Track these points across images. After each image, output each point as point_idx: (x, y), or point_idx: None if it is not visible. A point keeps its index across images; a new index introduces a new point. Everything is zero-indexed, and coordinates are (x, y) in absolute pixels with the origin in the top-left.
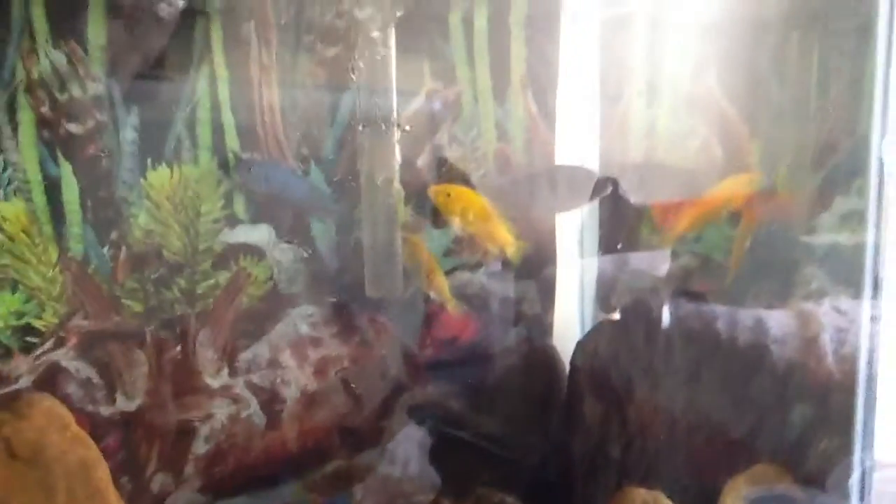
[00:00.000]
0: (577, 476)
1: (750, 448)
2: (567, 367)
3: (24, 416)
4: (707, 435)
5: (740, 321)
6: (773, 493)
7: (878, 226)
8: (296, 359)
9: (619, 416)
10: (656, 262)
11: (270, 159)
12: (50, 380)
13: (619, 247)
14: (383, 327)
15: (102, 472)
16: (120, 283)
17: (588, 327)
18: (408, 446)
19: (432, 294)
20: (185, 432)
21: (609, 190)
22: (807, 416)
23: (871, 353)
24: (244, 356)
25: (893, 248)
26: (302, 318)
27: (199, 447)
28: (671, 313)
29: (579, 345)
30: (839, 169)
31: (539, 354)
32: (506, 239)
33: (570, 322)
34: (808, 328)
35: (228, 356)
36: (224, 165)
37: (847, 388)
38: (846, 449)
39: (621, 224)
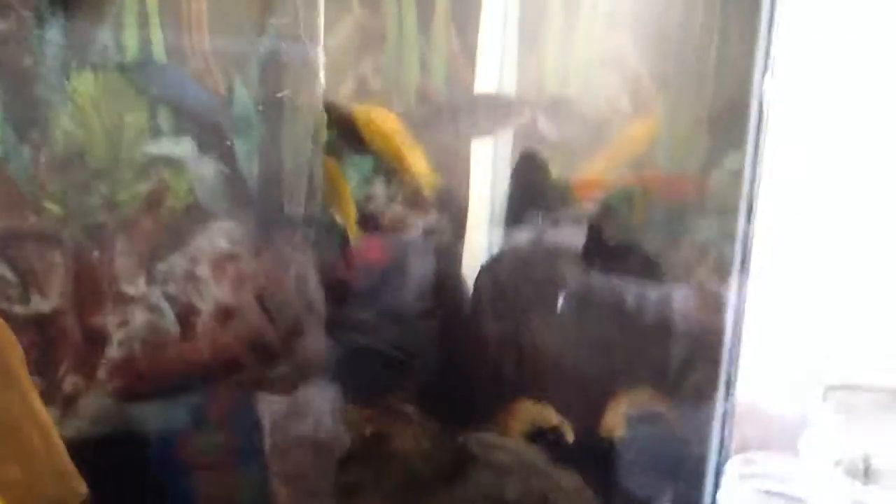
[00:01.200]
0: (474, 389)
1: (633, 375)
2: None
3: None
4: (596, 363)
5: (648, 296)
6: (649, 412)
7: (753, 170)
8: (213, 272)
9: (515, 337)
10: (573, 238)
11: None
12: None
13: (539, 221)
14: (300, 247)
15: (15, 354)
16: (42, 185)
17: None
18: (321, 403)
19: (338, 218)
20: (99, 336)
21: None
22: (686, 356)
23: (740, 301)
24: (161, 266)
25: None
26: (221, 233)
27: (113, 352)
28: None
29: (483, 268)
30: (734, 123)
31: (447, 280)
32: (422, 170)
33: (478, 253)
34: (711, 307)
35: (146, 265)
36: None
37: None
38: (714, 382)
39: (539, 198)
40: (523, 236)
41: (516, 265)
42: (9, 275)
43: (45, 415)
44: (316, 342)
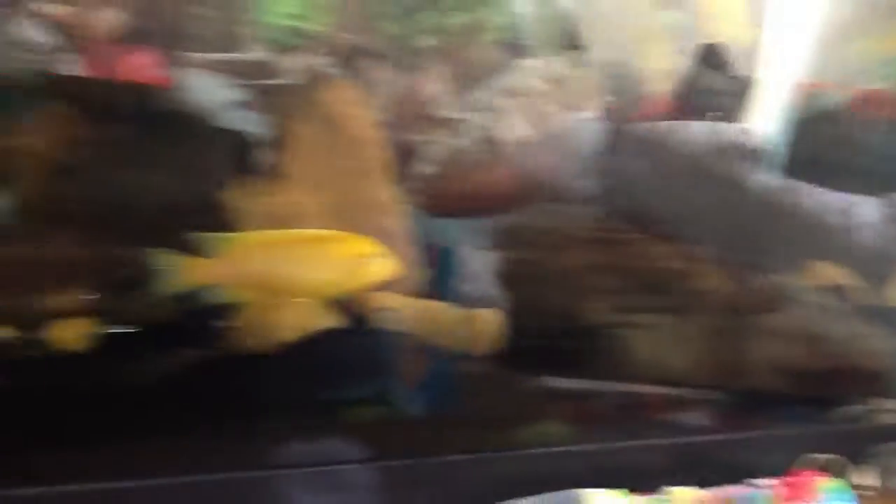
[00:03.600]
0: None
1: None
2: None
3: (334, 89)
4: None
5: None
6: None
7: None
8: (519, 108)
9: None
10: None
11: None
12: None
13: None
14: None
15: (380, 151)
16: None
17: None
18: None
19: None
20: (409, 152)
21: None
22: None
23: None
24: (474, 95)
25: None
26: (532, 71)
27: (421, 168)
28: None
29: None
30: None
31: None
32: None
33: None
34: None
35: (460, 92)
36: None
37: None
38: None
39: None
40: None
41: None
42: None
43: (396, 206)
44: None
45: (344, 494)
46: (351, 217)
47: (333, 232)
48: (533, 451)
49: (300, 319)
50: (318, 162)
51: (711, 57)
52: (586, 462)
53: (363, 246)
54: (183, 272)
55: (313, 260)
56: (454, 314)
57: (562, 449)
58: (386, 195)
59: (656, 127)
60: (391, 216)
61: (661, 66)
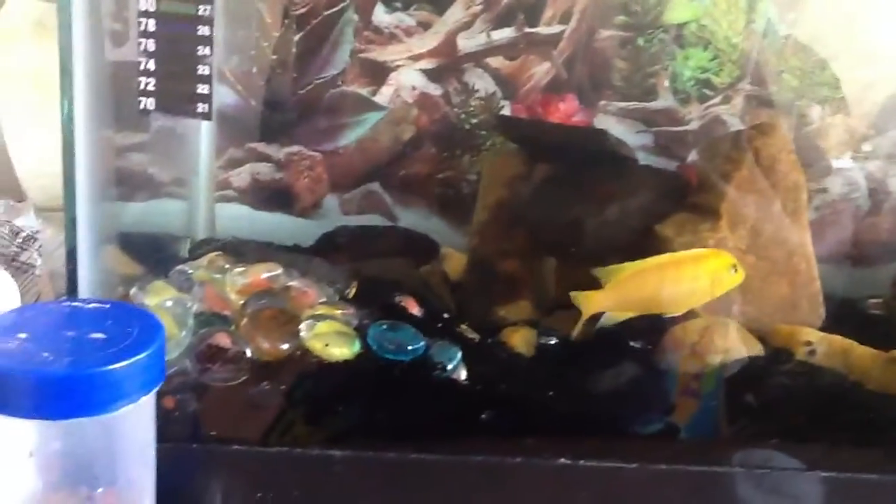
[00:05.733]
0: None
1: None
2: None
3: (768, 135)
4: None
5: None
6: None
7: None
8: None
9: None
10: None
11: None
12: (710, 127)
13: None
14: None
15: (805, 196)
16: (786, 60)
17: None
18: None
19: None
20: None
21: None
22: None
23: None
24: (867, 146)
25: None
26: None
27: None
28: None
29: None
30: None
31: None
32: None
33: None
34: None
35: (855, 142)
36: None
37: None
38: None
39: None
40: None
41: None
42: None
43: (811, 248)
44: None
45: (789, 500)
46: (769, 256)
47: (695, 250)
48: None
49: (727, 345)
50: (749, 202)
51: None
52: None
53: (721, 259)
54: (583, 303)
55: (682, 278)
56: (874, 354)
57: None
58: (804, 238)
59: None
60: (806, 259)
61: None
